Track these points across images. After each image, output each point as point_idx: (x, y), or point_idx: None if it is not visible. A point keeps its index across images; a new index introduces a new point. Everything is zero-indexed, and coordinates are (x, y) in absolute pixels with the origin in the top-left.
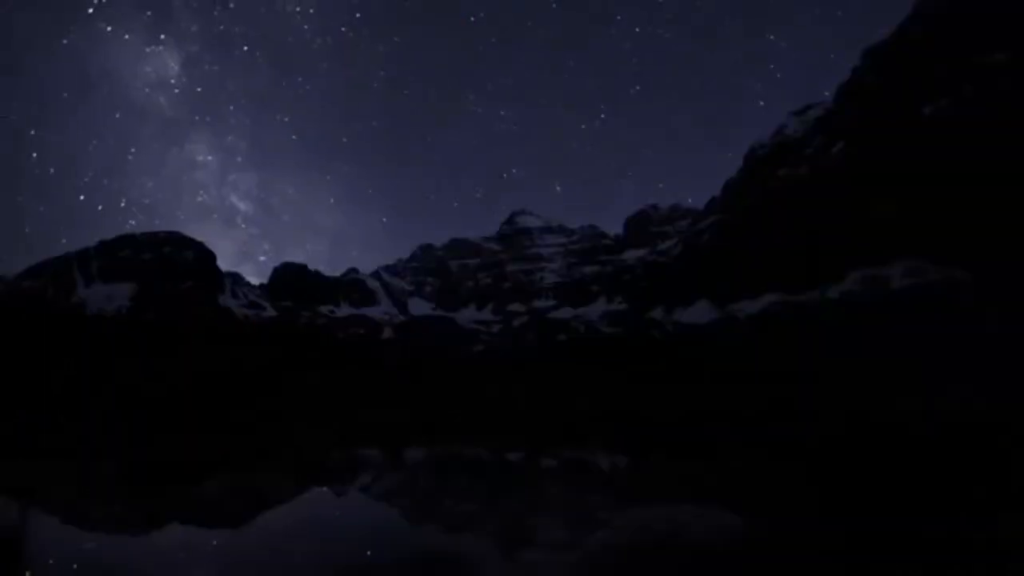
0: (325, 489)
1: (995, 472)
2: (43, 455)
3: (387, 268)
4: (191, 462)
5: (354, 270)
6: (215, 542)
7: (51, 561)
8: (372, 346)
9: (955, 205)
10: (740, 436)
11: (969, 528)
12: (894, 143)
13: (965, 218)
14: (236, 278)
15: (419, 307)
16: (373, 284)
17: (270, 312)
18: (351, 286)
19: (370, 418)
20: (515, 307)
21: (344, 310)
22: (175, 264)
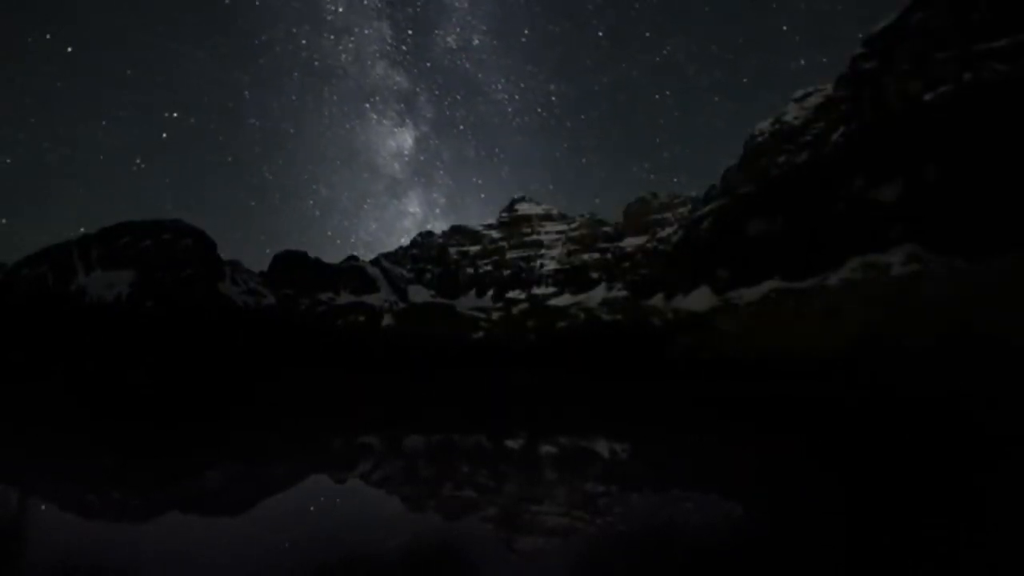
0: (325, 476)
1: (995, 472)
2: (41, 443)
3: (387, 255)
4: (190, 449)
5: (354, 257)
6: (215, 530)
7: (51, 551)
8: (372, 333)
9: (955, 193)
10: (739, 424)
11: (969, 528)
12: (894, 130)
13: (964, 206)
14: (236, 265)
15: (419, 294)
16: (373, 271)
17: (270, 300)
18: (351, 273)
19: (369, 405)
20: (515, 294)
21: (344, 297)
22: (175, 251)
